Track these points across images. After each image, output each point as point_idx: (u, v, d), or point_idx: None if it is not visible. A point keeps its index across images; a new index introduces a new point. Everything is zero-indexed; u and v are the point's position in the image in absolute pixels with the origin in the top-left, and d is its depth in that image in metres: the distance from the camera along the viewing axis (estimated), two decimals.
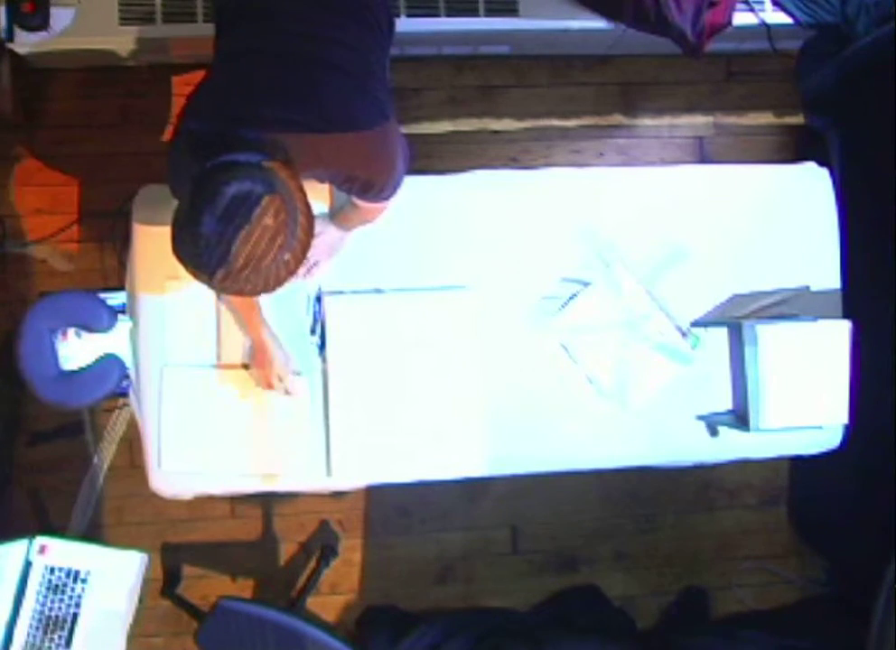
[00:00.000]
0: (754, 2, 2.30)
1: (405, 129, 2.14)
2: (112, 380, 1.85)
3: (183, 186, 1.33)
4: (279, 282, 1.26)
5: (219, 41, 1.57)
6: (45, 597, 1.99)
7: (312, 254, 1.73)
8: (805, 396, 1.89)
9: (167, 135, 1.43)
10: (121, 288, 1.95)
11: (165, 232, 1.85)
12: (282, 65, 1.41)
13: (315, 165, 1.39)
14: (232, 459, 1.86)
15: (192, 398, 1.85)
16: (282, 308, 1.87)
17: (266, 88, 1.38)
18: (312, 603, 2.46)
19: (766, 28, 2.32)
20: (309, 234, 1.26)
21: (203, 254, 1.21)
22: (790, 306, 2.01)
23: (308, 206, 1.27)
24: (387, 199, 1.56)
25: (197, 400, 1.85)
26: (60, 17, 2.15)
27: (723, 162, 2.34)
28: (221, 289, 1.25)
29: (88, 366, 1.84)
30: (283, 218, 1.20)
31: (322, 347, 1.87)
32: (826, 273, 2.04)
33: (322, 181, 1.50)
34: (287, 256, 1.23)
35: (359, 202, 1.61)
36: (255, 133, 1.31)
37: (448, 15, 2.24)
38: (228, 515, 2.48)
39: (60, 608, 2.00)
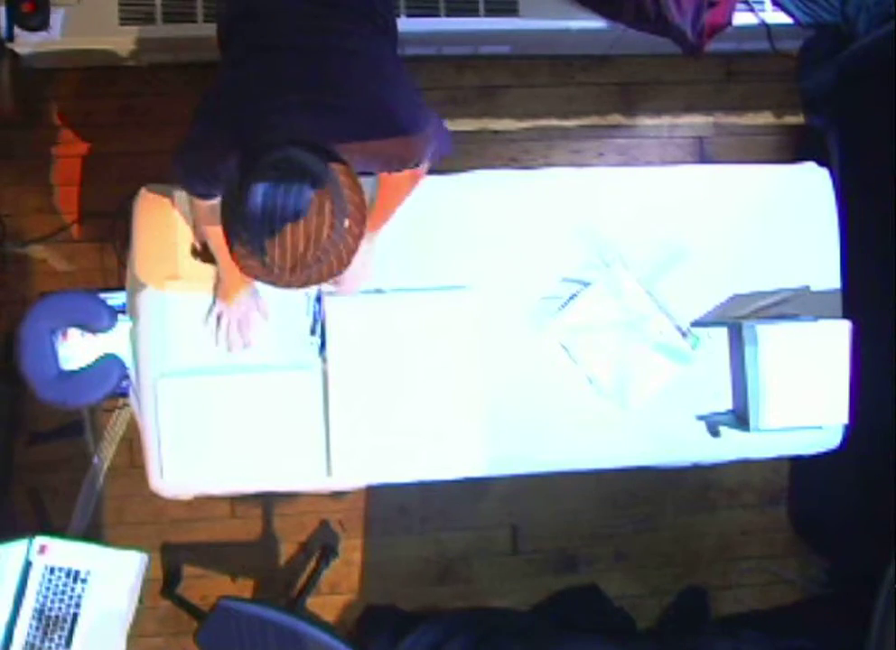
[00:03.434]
0: (754, 2, 2.31)
1: None
2: (112, 380, 1.85)
3: (208, 182, 1.34)
4: (350, 251, 1.21)
5: (229, 45, 1.56)
6: (45, 597, 1.99)
7: (351, 277, 1.76)
8: (805, 396, 1.89)
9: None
10: (121, 288, 1.95)
11: (165, 232, 1.87)
12: (304, 56, 1.40)
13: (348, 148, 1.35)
14: (233, 464, 1.86)
15: (189, 407, 1.85)
16: (282, 308, 1.87)
17: (292, 78, 1.37)
18: (312, 603, 2.46)
19: (766, 28, 2.32)
20: (361, 196, 1.21)
21: (257, 251, 1.18)
22: (790, 306, 2.01)
23: (351, 176, 1.21)
24: (419, 164, 1.53)
25: (194, 408, 1.85)
26: (60, 17, 2.15)
27: (723, 162, 2.35)
28: (292, 282, 1.20)
29: (88, 366, 1.84)
30: (329, 207, 1.16)
31: (322, 347, 1.87)
32: (826, 273, 2.04)
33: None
34: (347, 222, 1.19)
35: (389, 176, 1.58)
36: (286, 120, 1.29)
37: (448, 15, 2.24)
38: (228, 515, 2.48)
39: (60, 608, 2.00)
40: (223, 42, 1.61)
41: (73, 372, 1.83)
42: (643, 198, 2.00)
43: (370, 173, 1.59)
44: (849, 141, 2.37)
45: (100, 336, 1.85)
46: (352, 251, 1.21)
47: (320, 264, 1.19)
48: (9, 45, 2.17)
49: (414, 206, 1.76)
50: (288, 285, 1.21)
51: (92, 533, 2.41)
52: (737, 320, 1.98)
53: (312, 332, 1.87)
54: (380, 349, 1.87)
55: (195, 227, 1.82)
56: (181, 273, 1.85)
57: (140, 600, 2.09)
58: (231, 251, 1.21)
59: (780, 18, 2.32)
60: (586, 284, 1.96)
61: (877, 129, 2.23)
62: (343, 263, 1.22)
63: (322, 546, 2.49)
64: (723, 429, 1.98)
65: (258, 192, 1.14)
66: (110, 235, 2.37)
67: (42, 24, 2.14)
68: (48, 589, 1.99)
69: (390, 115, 1.40)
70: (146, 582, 2.12)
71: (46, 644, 1.99)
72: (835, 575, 2.62)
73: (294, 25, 1.47)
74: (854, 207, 2.10)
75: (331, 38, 1.44)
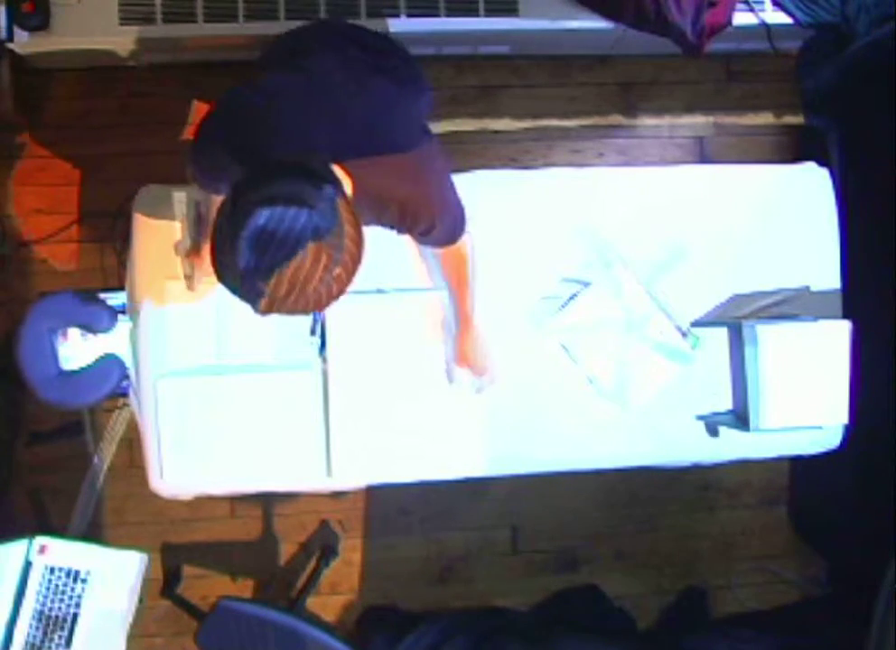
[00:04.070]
0: (754, 2, 2.30)
1: None
2: (112, 380, 1.85)
3: (214, 178, 1.34)
4: (332, 296, 1.18)
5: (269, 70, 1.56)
6: (45, 597, 1.99)
7: (474, 363, 1.80)
8: (805, 396, 1.89)
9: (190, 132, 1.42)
10: (121, 288, 1.95)
11: (165, 232, 1.87)
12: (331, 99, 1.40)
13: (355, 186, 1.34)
14: (233, 464, 1.86)
15: (189, 407, 1.85)
16: None
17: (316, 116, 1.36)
18: (312, 603, 2.46)
19: (766, 28, 2.32)
20: (359, 244, 1.18)
21: (243, 286, 1.15)
22: (790, 306, 2.01)
23: (353, 214, 1.19)
24: (449, 235, 1.51)
25: (194, 409, 1.85)
26: (60, 17, 2.14)
27: (723, 162, 2.35)
28: (266, 314, 1.18)
29: (88, 366, 1.84)
30: (327, 240, 1.13)
31: (323, 347, 1.87)
32: (826, 273, 2.04)
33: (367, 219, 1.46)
34: (337, 270, 1.15)
35: (435, 251, 1.58)
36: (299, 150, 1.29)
37: (448, 15, 2.24)
38: (228, 515, 2.48)
39: (60, 608, 2.00)
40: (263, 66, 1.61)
41: (73, 372, 1.84)
42: (643, 198, 2.00)
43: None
44: (849, 141, 2.37)
45: (100, 336, 1.86)
46: (334, 297, 1.18)
47: (297, 305, 1.17)
48: (9, 45, 2.17)
49: None
50: (255, 311, 1.19)
51: (92, 533, 2.41)
52: (737, 320, 1.98)
53: (312, 332, 1.87)
54: (380, 349, 1.87)
55: (191, 226, 1.82)
56: (180, 272, 1.85)
57: (140, 600, 2.09)
58: (214, 266, 1.18)
59: (780, 18, 2.32)
60: (586, 284, 1.96)
61: (877, 129, 2.23)
62: (323, 306, 1.19)
63: (322, 546, 2.49)
64: (722, 429, 1.98)
65: (257, 227, 1.11)
66: (110, 235, 2.36)
67: (42, 24, 2.13)
68: (48, 589, 1.99)
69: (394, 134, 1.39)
70: (146, 582, 2.12)
71: (46, 644, 1.99)
72: (835, 575, 2.62)
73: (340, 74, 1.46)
74: (853, 207, 2.10)
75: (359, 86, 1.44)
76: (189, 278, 1.82)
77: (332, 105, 1.38)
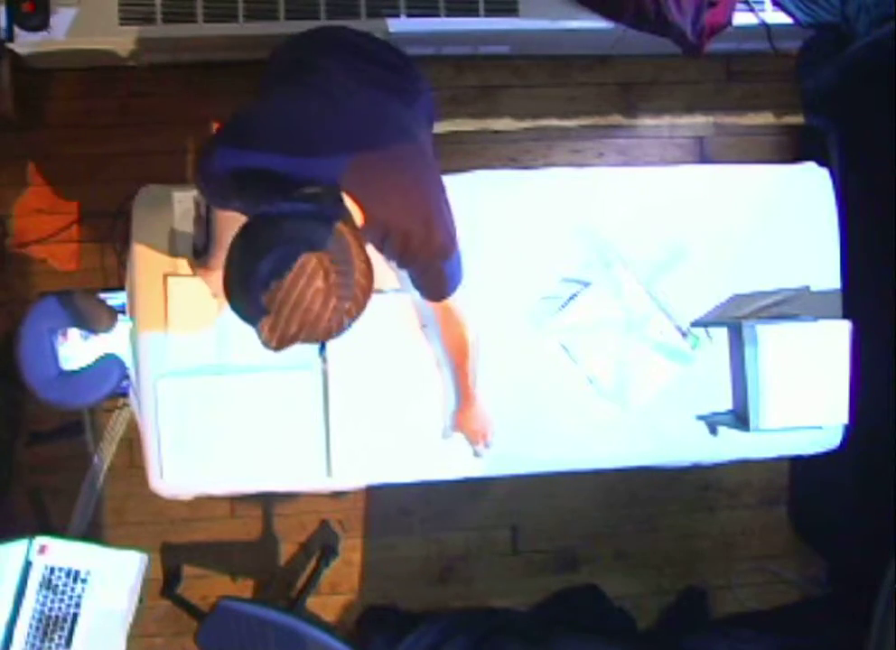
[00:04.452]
0: (754, 2, 2.30)
1: None
2: (112, 380, 1.85)
3: (222, 198, 1.36)
4: (343, 329, 1.21)
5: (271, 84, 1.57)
6: (45, 597, 1.99)
7: (472, 433, 1.83)
8: (805, 396, 1.89)
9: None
10: (121, 288, 1.95)
11: (165, 232, 1.87)
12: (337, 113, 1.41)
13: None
14: (234, 464, 1.86)
15: (189, 407, 1.85)
16: None
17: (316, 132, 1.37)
18: (312, 603, 2.46)
19: (766, 28, 2.32)
20: (369, 277, 1.21)
21: (255, 323, 1.18)
22: (790, 306, 2.01)
23: (363, 248, 1.22)
24: (444, 283, 1.51)
25: (194, 409, 1.85)
26: (60, 17, 2.15)
27: (723, 162, 2.35)
28: (278, 350, 1.21)
29: (88, 366, 1.84)
30: (334, 278, 1.16)
31: (323, 347, 1.87)
32: (826, 273, 2.04)
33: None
34: (348, 305, 1.19)
35: (431, 304, 1.59)
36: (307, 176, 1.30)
37: (448, 15, 2.24)
38: (228, 515, 2.48)
39: (60, 608, 2.00)
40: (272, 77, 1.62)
41: (73, 372, 1.83)
42: (643, 198, 2.00)
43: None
44: (849, 141, 2.37)
45: (100, 336, 1.85)
46: (345, 328, 1.21)
47: (308, 339, 1.20)
48: (9, 45, 2.17)
49: None
50: (266, 347, 1.21)
51: (92, 533, 2.41)
52: (737, 320, 1.98)
53: None
54: (381, 349, 1.87)
55: (195, 226, 1.82)
56: (180, 271, 1.85)
57: (140, 600, 2.09)
58: (227, 298, 1.21)
59: (780, 18, 2.32)
60: (586, 284, 1.96)
61: (877, 129, 2.23)
62: (331, 337, 1.22)
63: (322, 546, 2.49)
64: (722, 429, 1.98)
65: (268, 271, 1.14)
66: (110, 235, 2.37)
67: (42, 24, 2.14)
68: (48, 589, 1.99)
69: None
70: (146, 582, 2.12)
71: (46, 644, 1.99)
72: (835, 575, 2.62)
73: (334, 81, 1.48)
74: (853, 207, 2.10)
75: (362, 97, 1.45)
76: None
77: (339, 121, 1.39)
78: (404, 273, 1.51)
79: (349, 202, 1.32)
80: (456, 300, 1.57)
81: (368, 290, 1.22)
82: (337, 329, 1.20)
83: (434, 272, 1.47)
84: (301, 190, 1.26)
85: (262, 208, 1.21)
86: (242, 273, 1.17)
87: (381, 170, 1.36)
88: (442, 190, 1.45)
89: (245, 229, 1.20)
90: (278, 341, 1.18)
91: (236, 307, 1.20)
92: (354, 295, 1.19)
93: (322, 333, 1.19)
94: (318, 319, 1.17)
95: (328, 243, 1.16)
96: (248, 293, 1.16)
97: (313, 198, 1.24)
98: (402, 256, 1.43)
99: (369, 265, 1.22)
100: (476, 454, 1.89)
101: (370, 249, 1.30)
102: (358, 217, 1.34)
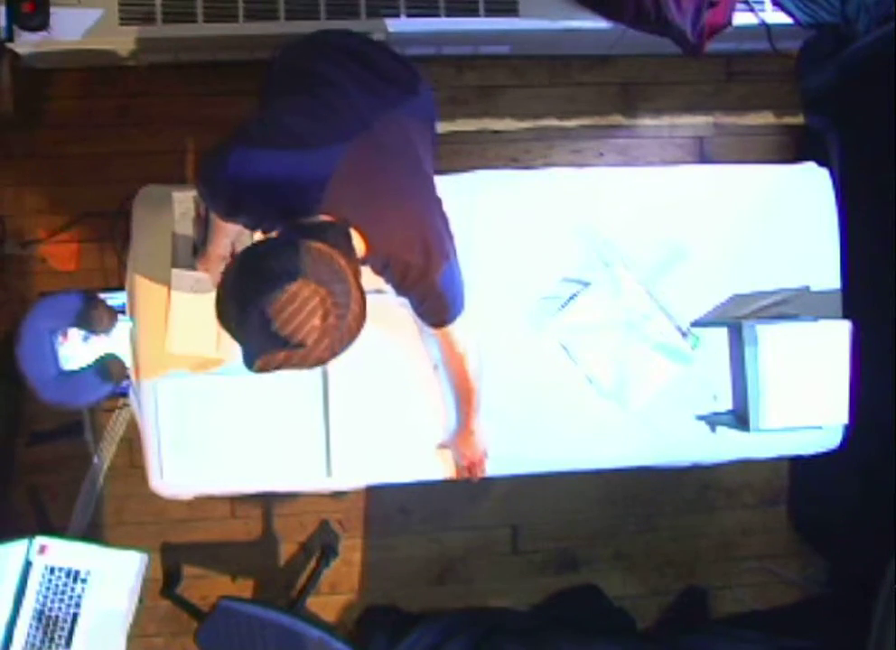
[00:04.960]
0: (754, 2, 2.30)
1: None
2: (112, 380, 1.85)
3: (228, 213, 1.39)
4: (335, 356, 1.23)
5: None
6: (45, 597, 1.99)
7: (469, 460, 1.86)
8: (805, 396, 1.89)
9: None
10: (121, 288, 1.95)
11: (165, 232, 1.87)
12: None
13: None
14: (234, 464, 1.86)
15: (189, 407, 1.85)
16: None
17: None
18: (312, 603, 2.46)
19: (766, 28, 2.32)
20: (362, 305, 1.24)
21: (250, 348, 1.22)
22: (790, 306, 2.01)
23: (358, 278, 1.24)
24: (442, 312, 1.53)
25: (194, 409, 1.85)
26: (60, 17, 2.15)
27: (723, 162, 2.35)
28: (258, 372, 1.25)
29: (88, 366, 1.84)
30: (332, 320, 1.18)
31: None
32: (826, 273, 2.04)
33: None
34: (339, 340, 1.21)
35: (433, 332, 1.61)
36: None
37: (448, 15, 2.24)
38: (228, 515, 2.48)
39: (60, 608, 2.00)
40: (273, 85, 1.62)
41: (73, 372, 1.83)
42: (643, 198, 2.00)
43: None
44: (849, 141, 2.37)
45: (100, 336, 1.85)
46: (337, 354, 1.23)
47: (300, 367, 1.23)
48: (9, 45, 2.17)
49: None
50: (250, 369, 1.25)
51: (92, 533, 2.41)
52: (737, 320, 1.98)
53: None
54: (380, 349, 1.87)
55: (195, 226, 1.82)
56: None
57: (140, 600, 2.10)
58: (218, 312, 1.22)
59: (780, 18, 2.32)
60: (586, 284, 1.96)
61: (877, 129, 2.23)
62: (325, 363, 1.24)
63: (322, 546, 2.49)
64: (722, 429, 1.98)
65: (269, 308, 1.16)
66: (110, 235, 2.37)
67: (42, 24, 2.13)
68: (48, 589, 1.99)
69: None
70: (146, 582, 2.12)
71: (46, 644, 1.99)
72: (835, 575, 2.62)
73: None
74: (853, 207, 2.10)
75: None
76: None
77: (341, 131, 1.40)
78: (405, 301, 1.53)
79: (353, 234, 1.34)
80: (457, 329, 1.58)
81: (361, 319, 1.24)
82: (324, 362, 1.23)
83: (432, 300, 1.49)
84: (309, 219, 1.29)
85: (263, 240, 1.23)
86: (239, 299, 1.18)
87: (385, 198, 1.39)
88: (440, 212, 1.48)
89: (247, 255, 1.21)
90: (260, 367, 1.21)
91: (227, 326, 1.22)
92: (348, 326, 1.21)
93: (308, 365, 1.22)
94: (308, 354, 1.20)
95: (328, 280, 1.18)
96: (244, 325, 1.18)
97: (318, 228, 1.26)
98: (400, 285, 1.46)
99: (363, 295, 1.25)
100: (469, 482, 1.91)
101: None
102: (361, 247, 1.36)
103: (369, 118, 1.44)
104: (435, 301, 1.49)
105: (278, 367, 1.21)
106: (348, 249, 1.28)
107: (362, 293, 1.24)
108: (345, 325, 1.20)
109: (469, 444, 1.85)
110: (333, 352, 1.22)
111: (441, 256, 1.43)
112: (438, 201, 1.50)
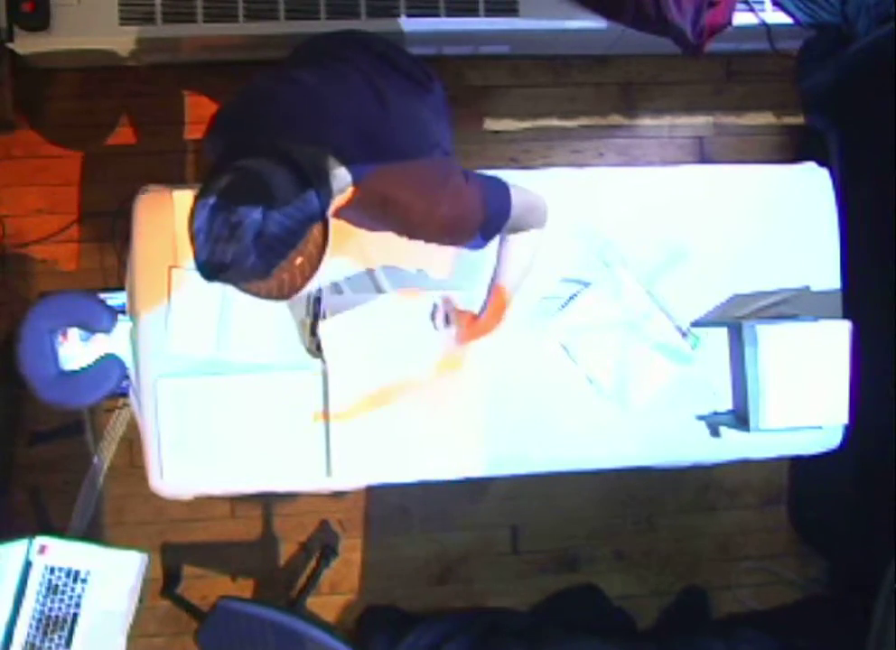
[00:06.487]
0: (754, 2, 2.30)
1: None
2: (112, 380, 1.85)
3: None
4: (294, 289, 1.20)
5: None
6: (45, 597, 1.99)
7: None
8: (805, 396, 1.89)
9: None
10: (121, 288, 1.95)
11: (165, 232, 1.87)
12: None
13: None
14: (233, 464, 1.86)
15: (189, 407, 1.85)
16: (282, 308, 1.87)
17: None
18: (312, 603, 2.46)
19: (766, 28, 2.32)
20: (323, 236, 1.20)
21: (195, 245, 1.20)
22: (790, 306, 2.01)
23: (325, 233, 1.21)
24: (468, 239, 1.46)
25: (194, 409, 1.85)
26: (60, 17, 2.15)
27: (723, 162, 2.35)
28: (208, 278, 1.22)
29: (88, 366, 1.84)
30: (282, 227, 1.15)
31: (320, 348, 1.87)
32: (826, 273, 2.04)
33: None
34: (300, 260, 1.17)
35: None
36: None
37: (448, 15, 2.24)
38: (228, 515, 2.48)
39: (60, 608, 2.00)
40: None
41: (73, 372, 1.84)
42: (643, 198, 2.00)
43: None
44: (849, 141, 2.37)
45: (100, 336, 1.86)
46: (299, 287, 1.21)
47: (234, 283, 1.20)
48: (9, 45, 2.17)
49: None
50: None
51: (92, 534, 2.41)
52: (737, 320, 1.98)
53: (313, 333, 1.87)
54: (380, 349, 1.87)
55: None
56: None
57: (140, 600, 2.09)
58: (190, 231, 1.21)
59: (780, 18, 2.32)
60: (586, 284, 1.96)
61: (877, 129, 2.23)
62: (286, 295, 1.22)
63: (322, 546, 2.49)
64: (723, 429, 1.98)
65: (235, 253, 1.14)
66: (110, 235, 2.37)
67: (42, 24, 2.13)
68: (48, 589, 1.99)
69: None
70: (146, 582, 2.12)
71: (46, 644, 1.99)
72: (835, 575, 2.62)
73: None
74: (853, 206, 2.10)
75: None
76: None
77: (352, 109, 1.39)
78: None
79: (338, 172, 1.30)
80: (516, 238, 1.56)
81: (321, 246, 1.20)
82: (289, 287, 1.20)
83: (454, 238, 1.44)
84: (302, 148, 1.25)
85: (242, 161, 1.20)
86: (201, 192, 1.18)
87: (384, 147, 1.35)
88: (458, 172, 1.43)
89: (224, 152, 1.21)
90: (209, 272, 1.18)
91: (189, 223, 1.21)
92: (307, 252, 1.18)
93: (273, 284, 1.19)
94: (266, 294, 1.19)
95: (292, 200, 1.15)
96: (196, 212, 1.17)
97: (309, 156, 1.23)
98: (406, 232, 1.41)
99: (320, 258, 1.21)
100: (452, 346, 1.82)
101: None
102: (348, 189, 1.31)
103: (384, 93, 1.43)
104: (458, 235, 1.43)
105: (224, 279, 1.18)
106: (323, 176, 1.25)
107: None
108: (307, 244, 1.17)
109: (497, 294, 1.70)
110: (299, 256, 1.18)
111: (447, 201, 1.37)
112: (454, 166, 1.44)
